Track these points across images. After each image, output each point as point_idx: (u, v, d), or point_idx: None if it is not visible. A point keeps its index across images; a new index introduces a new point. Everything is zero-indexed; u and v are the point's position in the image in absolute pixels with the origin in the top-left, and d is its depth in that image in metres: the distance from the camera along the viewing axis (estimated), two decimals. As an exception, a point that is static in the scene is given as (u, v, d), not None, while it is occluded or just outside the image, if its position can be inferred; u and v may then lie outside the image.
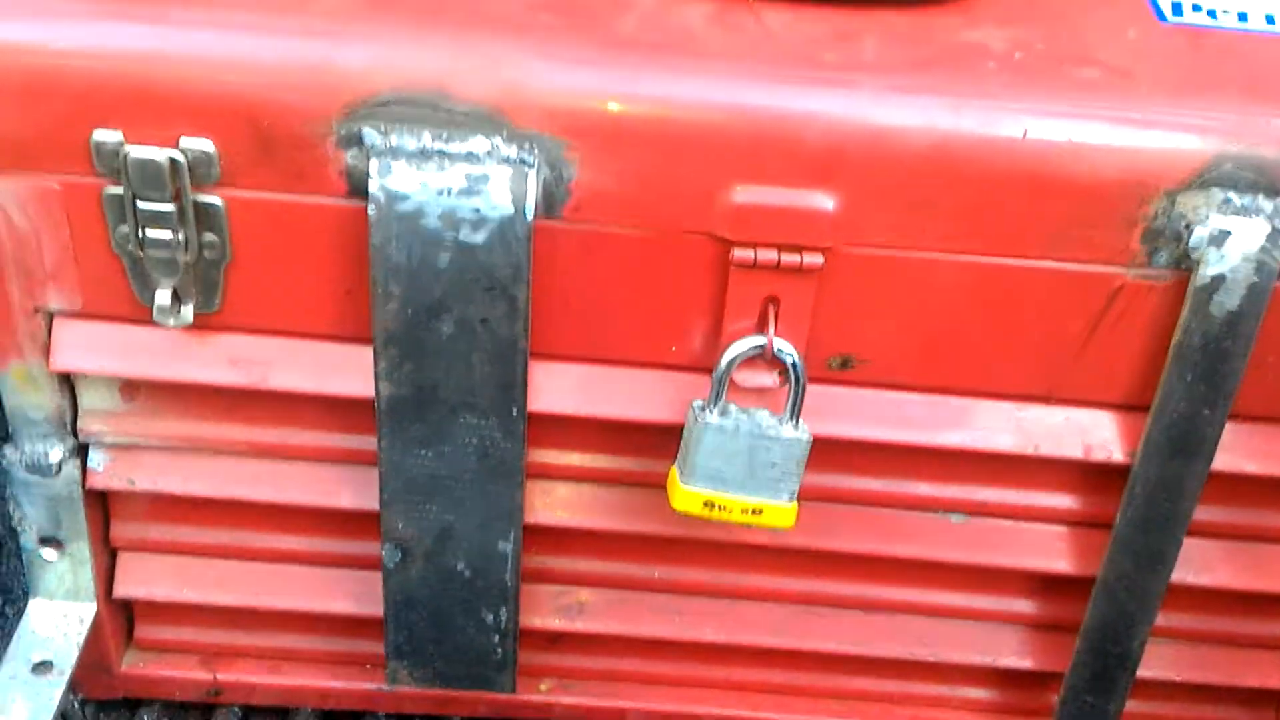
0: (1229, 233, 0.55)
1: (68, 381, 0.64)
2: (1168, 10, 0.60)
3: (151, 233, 0.58)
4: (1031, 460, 0.64)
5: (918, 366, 0.62)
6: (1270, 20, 0.60)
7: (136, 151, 0.55)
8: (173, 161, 0.56)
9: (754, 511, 0.62)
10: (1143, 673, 0.70)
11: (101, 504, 0.69)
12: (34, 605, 0.71)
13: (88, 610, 0.71)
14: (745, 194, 0.56)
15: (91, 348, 0.62)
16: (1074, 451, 0.63)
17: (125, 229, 0.58)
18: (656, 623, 0.72)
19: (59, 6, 0.55)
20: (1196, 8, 0.61)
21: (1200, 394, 0.60)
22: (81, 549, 0.69)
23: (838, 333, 0.61)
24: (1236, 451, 0.62)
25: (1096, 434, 0.63)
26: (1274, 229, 0.55)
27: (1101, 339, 0.60)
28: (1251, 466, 0.63)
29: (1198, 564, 0.68)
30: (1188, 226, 0.55)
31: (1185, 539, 0.65)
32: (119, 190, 0.57)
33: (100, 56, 0.54)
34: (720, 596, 0.72)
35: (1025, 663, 0.72)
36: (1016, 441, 0.63)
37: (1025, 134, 0.55)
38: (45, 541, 0.69)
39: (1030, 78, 0.56)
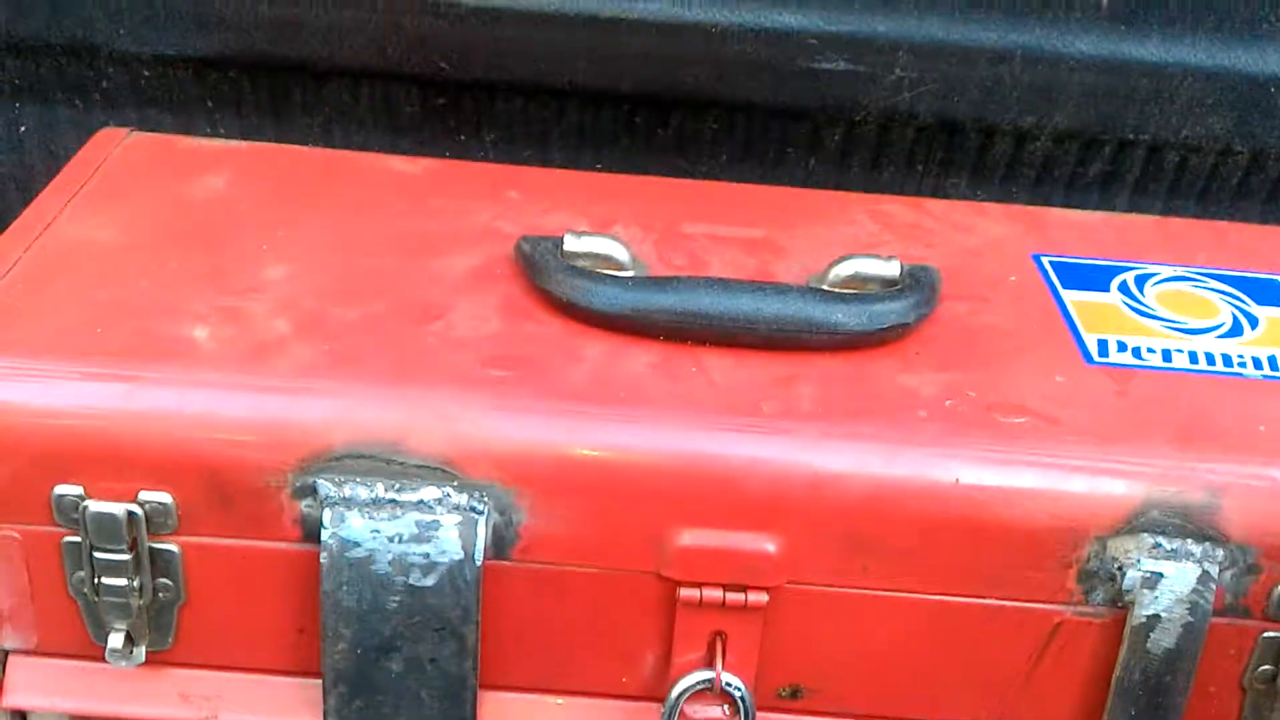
0: (1161, 575, 0.57)
1: (21, 716, 0.64)
2: (1094, 351, 0.63)
3: (107, 579, 0.58)
4: (985, 782, 0.64)
5: (867, 695, 0.62)
6: (1194, 359, 0.63)
7: (96, 505, 0.57)
8: (130, 514, 0.57)
9: (708, 842, 0.62)
10: None
11: (49, 828, 0.68)
12: None
13: None
14: (690, 537, 0.58)
15: (44, 686, 0.62)
16: (1026, 776, 0.63)
17: (82, 575, 0.59)
18: None
19: (21, 367, 0.57)
20: (1121, 347, 0.64)
21: (1146, 723, 0.61)
22: None
23: (786, 664, 0.61)
24: (1187, 777, 0.63)
25: (1047, 759, 0.63)
26: (1204, 572, 0.56)
27: (1045, 671, 0.61)
28: (1203, 790, 0.63)
29: None
30: (1120, 569, 0.57)
31: None
32: (77, 539, 0.58)
33: (63, 416, 0.56)
34: None
35: None
36: (969, 767, 0.63)
37: (957, 481, 0.57)
38: None
39: (961, 425, 0.58)
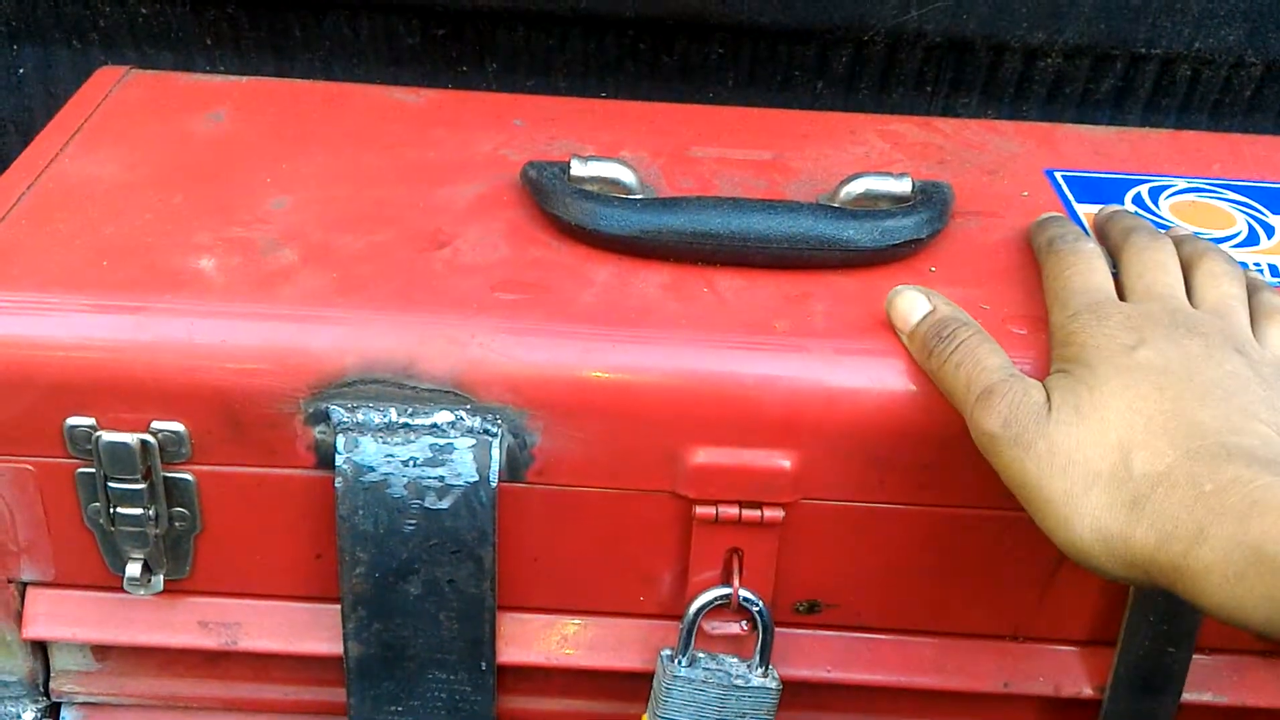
0: (1178, 482, 0.56)
1: (40, 646, 0.65)
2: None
3: (122, 509, 0.58)
4: (1002, 696, 0.64)
5: (884, 609, 0.62)
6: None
7: (108, 436, 0.57)
8: (144, 443, 0.57)
9: (728, 759, 0.62)
10: None
11: (73, 760, 0.69)
12: None
13: None
14: (705, 455, 0.58)
15: (63, 616, 0.62)
16: (1044, 689, 0.63)
17: (97, 505, 0.59)
18: None
19: (30, 301, 0.57)
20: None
21: (1164, 633, 0.60)
22: (53, 808, 0.69)
23: (802, 579, 0.61)
24: (1205, 686, 0.63)
25: (1065, 671, 0.63)
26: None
27: (1062, 582, 0.61)
28: (1222, 698, 0.63)
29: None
30: (1137, 477, 0.57)
31: (1163, 766, 0.65)
32: (91, 470, 0.58)
33: (73, 348, 0.56)
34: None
35: None
36: (986, 680, 0.63)
37: (973, 393, 0.56)
38: (17, 801, 0.69)
39: (975, 337, 0.58)
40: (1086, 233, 0.62)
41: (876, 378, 0.57)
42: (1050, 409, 0.50)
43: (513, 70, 0.86)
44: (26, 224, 0.62)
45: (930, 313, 0.56)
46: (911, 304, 0.57)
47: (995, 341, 0.54)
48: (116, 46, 0.86)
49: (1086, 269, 0.57)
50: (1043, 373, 0.54)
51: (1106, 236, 0.62)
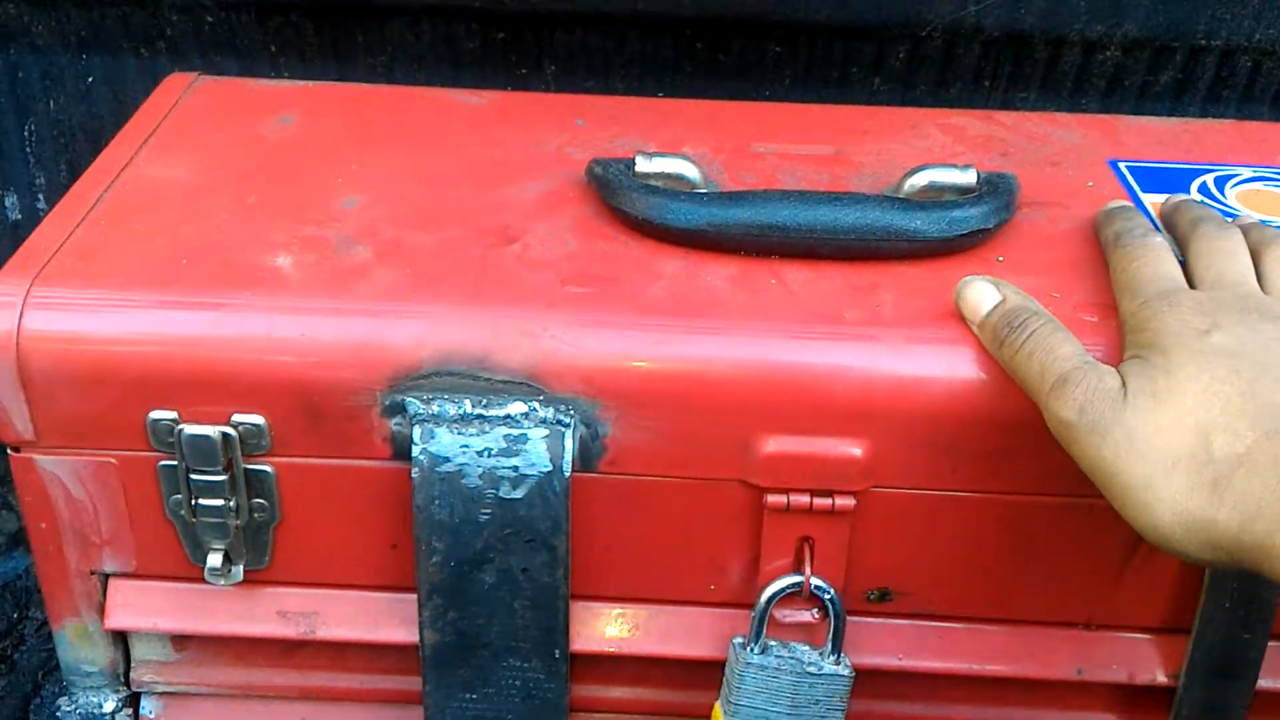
0: (1252, 467, 0.56)
1: (121, 636, 0.66)
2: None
3: (204, 500, 0.60)
4: (1075, 684, 0.64)
5: (955, 597, 0.62)
6: None
7: (191, 429, 0.58)
8: (225, 436, 0.58)
9: (799, 748, 0.63)
10: None
11: (152, 750, 0.70)
12: None
13: None
14: (775, 444, 0.58)
15: (145, 607, 0.64)
16: (1118, 676, 0.63)
17: (179, 497, 0.60)
18: None
19: (113, 299, 0.58)
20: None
21: (1239, 619, 0.60)
22: (133, 796, 0.70)
23: (874, 568, 0.62)
24: (1280, 673, 0.63)
25: (1139, 658, 0.63)
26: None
27: (1137, 569, 0.61)
28: (1297, 686, 0.63)
29: (1251, 781, 0.67)
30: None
31: (1236, 755, 0.65)
32: (173, 463, 0.59)
33: (155, 343, 0.57)
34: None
35: None
36: (1059, 668, 0.63)
37: (1044, 379, 0.57)
38: (97, 789, 0.70)
39: (1046, 324, 0.58)
40: (1155, 225, 0.62)
41: (947, 366, 0.57)
42: (1126, 394, 0.50)
43: (571, 72, 0.87)
44: (106, 225, 0.64)
45: (1000, 302, 0.56)
46: (981, 294, 0.57)
47: (1067, 329, 0.54)
48: (183, 54, 0.88)
49: (1155, 259, 0.57)
50: (1116, 360, 0.54)
51: (1174, 226, 0.62)
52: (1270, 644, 0.61)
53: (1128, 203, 0.65)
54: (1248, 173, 0.70)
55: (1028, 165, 0.71)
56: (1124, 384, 0.51)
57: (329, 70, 0.89)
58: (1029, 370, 0.54)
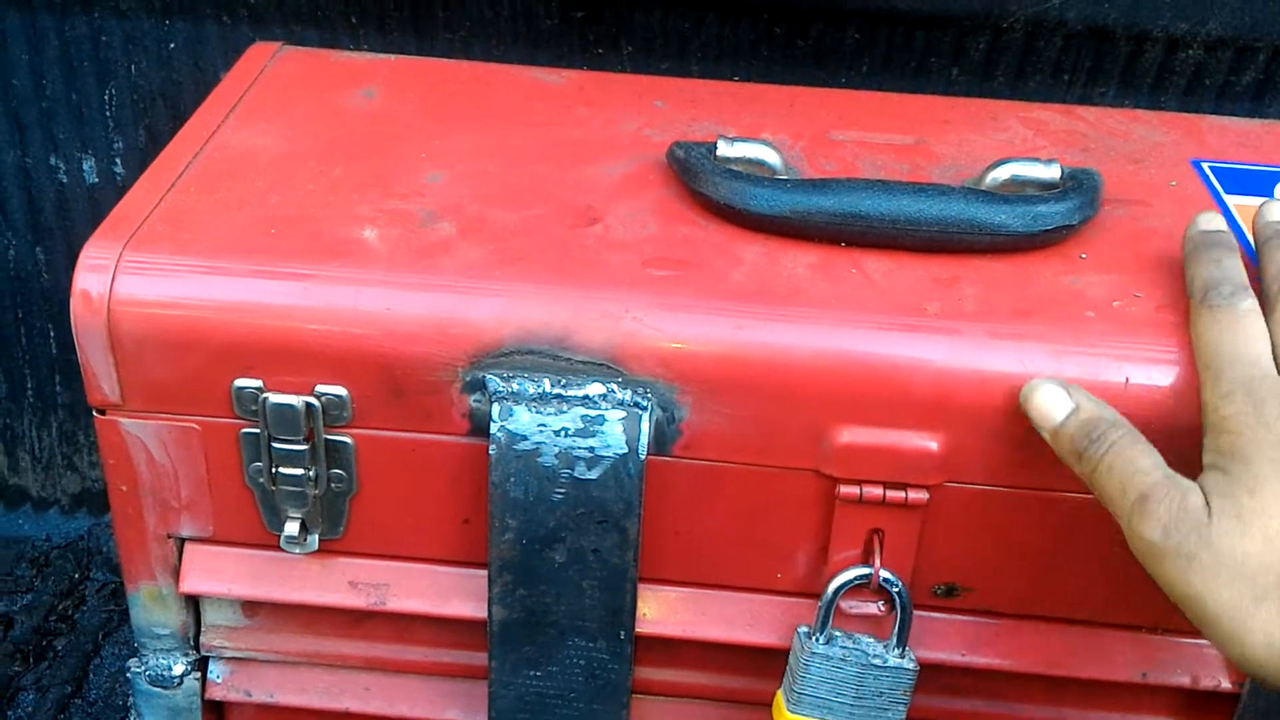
0: (1334, 476, 0.56)
1: (193, 601, 0.67)
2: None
3: (284, 469, 0.61)
4: (1139, 687, 0.64)
5: (1022, 596, 0.62)
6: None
7: (275, 398, 0.59)
8: (308, 406, 0.59)
9: (860, 738, 0.63)
10: None
11: (217, 713, 0.71)
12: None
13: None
14: (851, 435, 0.58)
15: (219, 572, 0.65)
16: (1182, 680, 0.63)
17: (259, 465, 0.61)
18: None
19: (202, 265, 0.59)
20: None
21: (1310, 628, 0.60)
22: (198, 756, 0.71)
23: (942, 562, 0.62)
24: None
25: (1204, 663, 0.63)
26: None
27: (1207, 574, 0.60)
28: (1365, 698, 0.63)
29: (1312, 790, 0.67)
30: (1291, 470, 0.56)
31: (1298, 763, 0.64)
32: (256, 431, 0.60)
33: (242, 312, 0.58)
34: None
35: None
36: (1124, 670, 0.63)
37: (1127, 380, 0.56)
38: (164, 748, 0.71)
39: (1130, 325, 0.57)
40: (1244, 239, 0.60)
41: (1026, 362, 0.57)
42: (1210, 515, 0.49)
43: (648, 53, 0.87)
44: (195, 192, 0.64)
45: (1074, 411, 0.54)
46: (1053, 400, 0.55)
47: (1144, 438, 0.53)
48: (264, 23, 0.89)
49: (1242, 333, 0.54)
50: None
51: (1258, 234, 0.61)
52: (1340, 654, 0.61)
53: (1218, 223, 0.61)
54: (1333, 177, 0.69)
55: (1110, 162, 0.70)
56: (1207, 502, 0.50)
57: (408, 43, 0.89)
58: (1109, 485, 0.52)
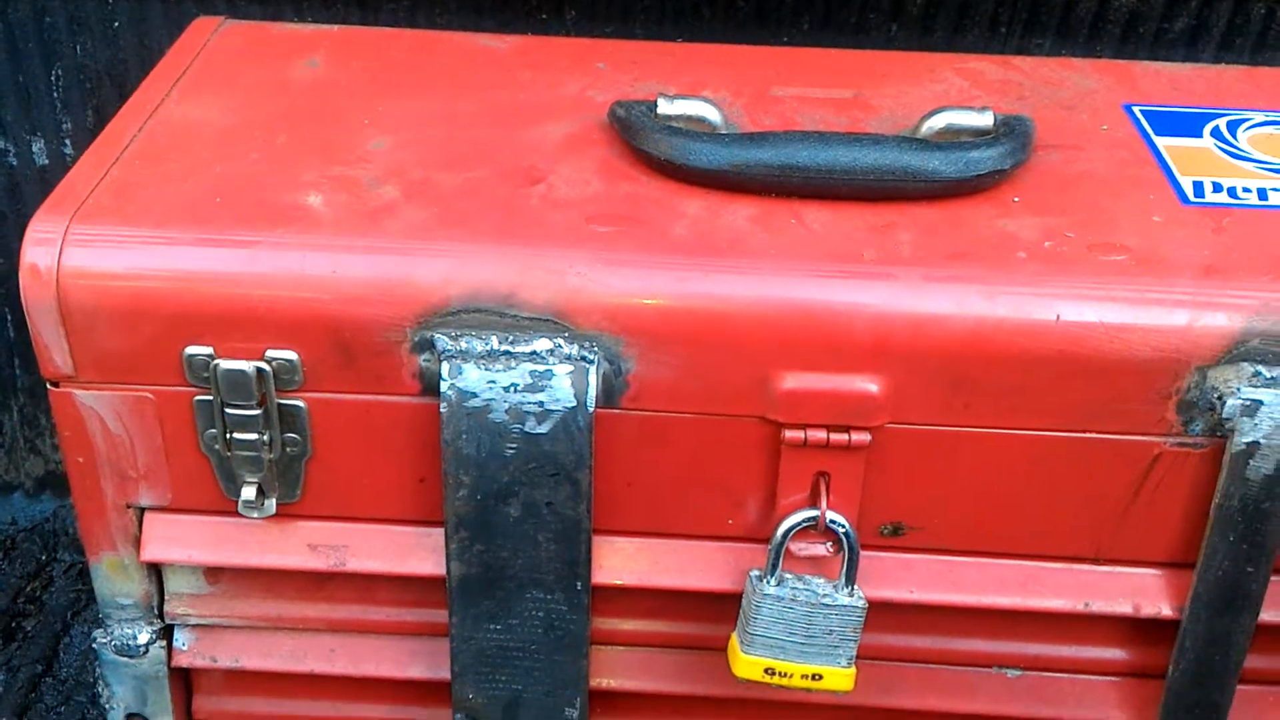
0: (1261, 403, 0.58)
1: (155, 569, 0.68)
2: (1190, 192, 0.64)
3: (238, 435, 0.62)
4: (1083, 616, 0.66)
5: (967, 532, 0.64)
6: (1288, 195, 0.63)
7: (226, 364, 0.60)
8: (259, 371, 0.60)
9: (814, 677, 0.64)
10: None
11: (184, 680, 0.72)
12: (121, 778, 0.74)
13: (173, 781, 0.74)
14: (794, 380, 0.60)
15: (179, 539, 0.66)
16: (1124, 608, 0.65)
17: (214, 432, 0.62)
18: (722, 780, 0.74)
19: (148, 235, 0.60)
20: (1217, 188, 0.64)
21: (1243, 553, 0.62)
22: (166, 724, 0.72)
23: (888, 503, 0.63)
24: (1283, 606, 0.64)
25: (1145, 591, 0.65)
26: (1303, 399, 0.57)
27: (1144, 502, 0.62)
28: (1299, 619, 0.65)
29: (1253, 712, 0.69)
30: (1220, 399, 0.58)
31: (1239, 686, 0.66)
32: (209, 398, 0.61)
33: (191, 280, 0.59)
34: (783, 753, 0.73)
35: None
36: (1067, 600, 0.65)
37: (1058, 317, 0.58)
38: (132, 718, 0.72)
39: (1061, 264, 0.59)
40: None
41: (962, 304, 0.58)
42: None
43: (591, 17, 0.88)
44: (140, 164, 0.65)
45: None
46: None
47: None
48: (207, 0, 0.89)
49: None
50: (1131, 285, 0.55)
51: None
52: (1273, 578, 0.63)
53: None
54: (1260, 117, 0.71)
55: (1043, 109, 0.72)
56: None
57: (351, 15, 0.90)
58: None
